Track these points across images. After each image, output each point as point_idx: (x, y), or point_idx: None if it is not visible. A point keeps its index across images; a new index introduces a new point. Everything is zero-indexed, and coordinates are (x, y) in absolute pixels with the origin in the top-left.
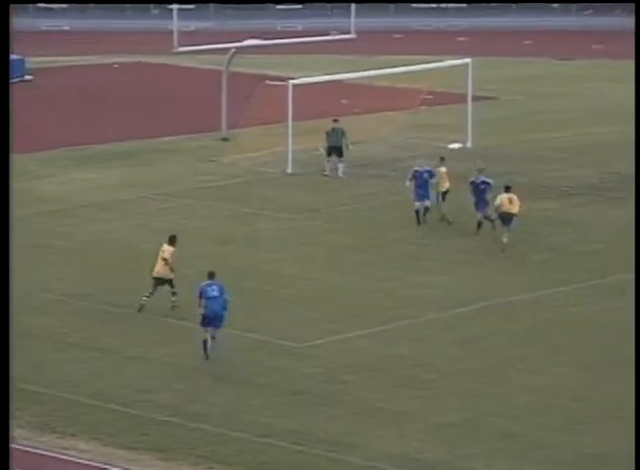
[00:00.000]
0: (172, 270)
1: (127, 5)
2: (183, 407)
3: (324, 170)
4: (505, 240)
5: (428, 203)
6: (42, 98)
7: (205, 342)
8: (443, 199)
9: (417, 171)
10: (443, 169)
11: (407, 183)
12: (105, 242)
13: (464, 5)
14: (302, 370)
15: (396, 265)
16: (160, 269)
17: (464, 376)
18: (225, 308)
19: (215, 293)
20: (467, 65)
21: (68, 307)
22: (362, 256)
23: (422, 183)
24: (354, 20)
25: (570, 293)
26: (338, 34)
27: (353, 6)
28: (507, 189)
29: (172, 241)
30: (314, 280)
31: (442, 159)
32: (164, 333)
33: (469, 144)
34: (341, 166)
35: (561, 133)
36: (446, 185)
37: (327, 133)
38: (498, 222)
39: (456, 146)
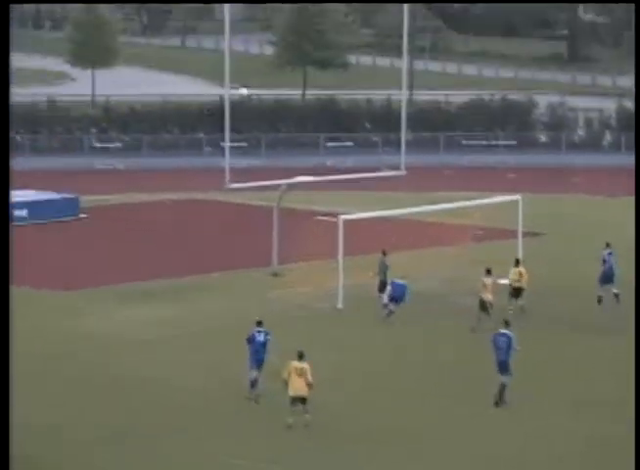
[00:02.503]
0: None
1: (181, 144)
2: None
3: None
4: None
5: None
6: (94, 236)
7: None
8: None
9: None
10: (489, 281)
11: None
12: (144, 378)
13: (513, 142)
14: None
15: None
16: (300, 386)
17: None
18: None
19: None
20: (517, 201)
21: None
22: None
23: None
24: (404, 157)
25: None
26: (387, 170)
27: (403, 142)
28: (517, 263)
29: (302, 356)
30: None
31: (489, 271)
32: None
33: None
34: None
35: None
36: (489, 296)
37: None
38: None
39: None
